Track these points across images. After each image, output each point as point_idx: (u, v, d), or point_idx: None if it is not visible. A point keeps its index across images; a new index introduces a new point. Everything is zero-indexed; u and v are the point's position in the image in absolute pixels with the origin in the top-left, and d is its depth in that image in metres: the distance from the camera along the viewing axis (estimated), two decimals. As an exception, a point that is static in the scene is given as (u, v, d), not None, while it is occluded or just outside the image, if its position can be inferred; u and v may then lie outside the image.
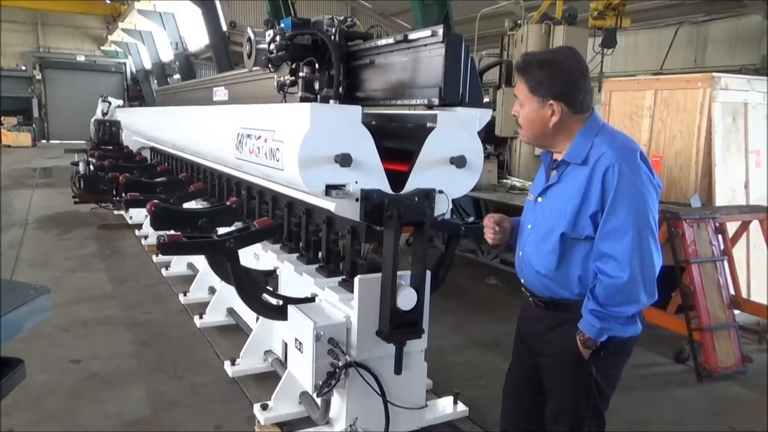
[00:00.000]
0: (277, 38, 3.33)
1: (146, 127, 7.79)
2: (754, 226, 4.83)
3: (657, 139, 5.29)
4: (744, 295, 4.76)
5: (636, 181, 1.85)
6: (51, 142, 28.48)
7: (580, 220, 1.91)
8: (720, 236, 4.45)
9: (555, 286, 2.03)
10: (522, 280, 2.17)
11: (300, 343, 2.81)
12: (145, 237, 7.32)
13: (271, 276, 3.72)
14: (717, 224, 4.42)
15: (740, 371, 4.11)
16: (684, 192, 5.04)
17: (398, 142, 2.94)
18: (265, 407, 3.16)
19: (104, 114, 10.81)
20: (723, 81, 4.94)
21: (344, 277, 3.07)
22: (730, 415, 3.58)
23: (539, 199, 2.09)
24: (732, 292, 4.49)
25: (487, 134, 6.44)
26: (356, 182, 2.62)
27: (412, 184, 2.74)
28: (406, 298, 2.65)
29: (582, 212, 1.90)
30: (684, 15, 13.35)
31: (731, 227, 4.72)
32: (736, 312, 4.43)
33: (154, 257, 6.51)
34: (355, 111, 2.64)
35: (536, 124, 2.01)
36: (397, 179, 2.74)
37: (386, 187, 2.70)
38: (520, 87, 2.03)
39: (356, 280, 2.74)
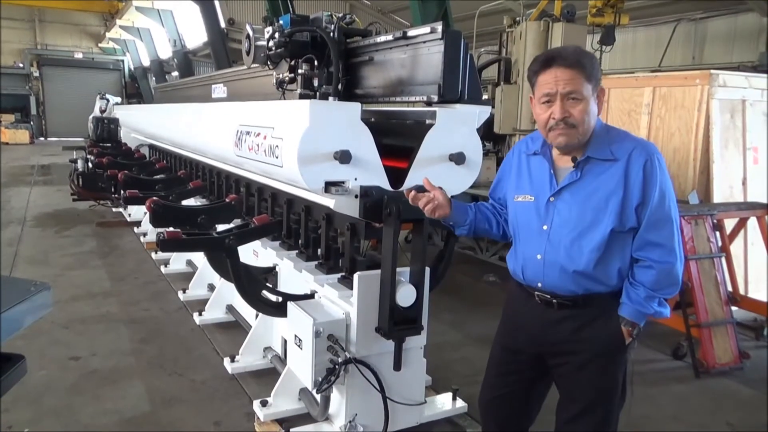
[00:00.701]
0: (276, 35, 3.33)
1: (145, 124, 7.79)
2: (752, 222, 4.85)
3: (655, 136, 5.31)
4: (741, 291, 4.79)
5: (666, 172, 1.97)
6: (49, 139, 28.46)
7: (625, 213, 1.92)
8: (718, 233, 4.46)
9: (591, 282, 1.99)
10: (538, 284, 2.07)
11: (299, 340, 2.82)
12: (144, 234, 7.33)
13: (270, 273, 3.73)
14: (715, 221, 4.43)
15: (737, 367, 4.13)
16: (682, 189, 5.05)
17: (397, 139, 2.95)
18: (264, 404, 3.17)
19: (102, 111, 10.80)
20: (721, 78, 4.95)
21: (343, 273, 3.07)
22: (727, 412, 3.59)
23: (551, 199, 2.02)
24: (729, 288, 4.51)
25: (486, 131, 6.44)
26: (355, 179, 2.63)
27: (411, 181, 2.74)
28: (406, 295, 2.65)
29: (627, 205, 1.91)
30: (682, 12, 13.38)
31: (729, 224, 4.74)
32: (734, 308, 4.45)
33: (153, 254, 6.51)
34: (355, 108, 2.64)
35: (593, 117, 1.95)
36: (396, 176, 2.75)
37: (385, 184, 2.71)
38: (576, 81, 1.89)
39: (355, 276, 2.75)
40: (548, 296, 2.06)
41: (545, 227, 2.03)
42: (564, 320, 2.05)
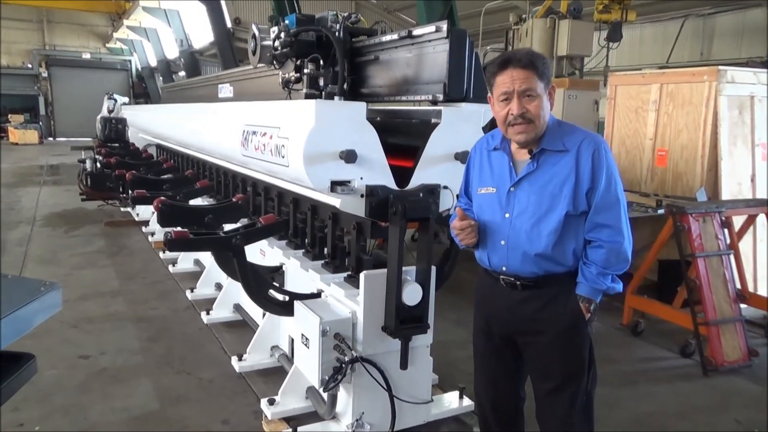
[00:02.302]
0: (282, 35, 3.34)
1: (152, 124, 7.83)
2: (761, 219, 4.81)
3: (663, 133, 5.28)
4: (750, 288, 4.75)
5: (613, 160, 2.14)
6: (57, 139, 28.65)
7: (578, 198, 2.08)
8: (726, 230, 4.43)
9: (550, 264, 2.15)
10: (503, 268, 2.22)
11: (306, 339, 2.83)
12: (152, 234, 7.37)
13: (277, 272, 3.74)
14: (723, 218, 4.40)
15: (746, 365, 4.11)
16: (690, 186, 5.03)
17: (403, 138, 2.95)
18: (272, 402, 3.18)
19: (110, 111, 10.83)
20: (729, 74, 4.92)
21: (350, 272, 3.08)
22: (735, 409, 3.58)
23: (512, 189, 2.17)
24: (738, 285, 4.48)
25: (492, 129, 6.43)
26: (361, 178, 2.64)
27: (417, 180, 2.75)
28: (412, 294, 2.66)
29: (578, 191, 2.08)
30: (690, 8, 13.27)
31: (737, 221, 4.71)
32: (742, 306, 4.42)
33: (160, 254, 6.55)
34: (360, 107, 2.65)
35: (547, 112, 2.11)
36: (402, 175, 2.75)
37: (391, 183, 2.71)
38: (530, 80, 2.05)
39: (362, 275, 2.76)
40: (512, 279, 2.22)
41: (507, 215, 2.19)
42: (528, 300, 2.21)
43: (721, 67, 4.94)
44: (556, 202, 2.09)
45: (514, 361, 2.38)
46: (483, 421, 2.56)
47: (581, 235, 2.14)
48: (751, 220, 4.79)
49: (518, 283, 2.20)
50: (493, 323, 2.35)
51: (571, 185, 2.07)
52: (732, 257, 4.43)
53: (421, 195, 2.74)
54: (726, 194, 4.93)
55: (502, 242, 2.20)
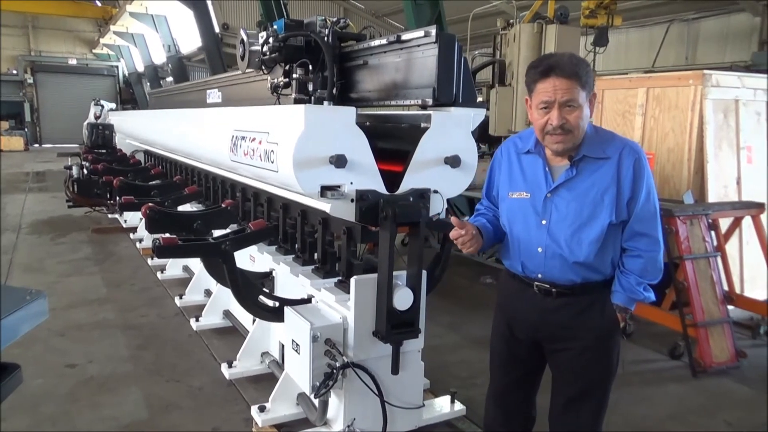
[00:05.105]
0: (270, 40, 3.33)
1: (139, 130, 7.77)
2: (747, 222, 4.86)
3: (649, 137, 5.32)
4: (737, 290, 4.80)
5: (650, 169, 2.14)
6: (44, 146, 28.39)
7: (619, 207, 2.06)
8: (713, 232, 4.47)
9: (590, 272, 2.13)
10: (539, 275, 2.18)
11: (297, 345, 2.82)
12: (140, 240, 7.31)
13: (267, 278, 3.72)
14: (710, 220, 4.45)
15: (734, 366, 4.14)
16: (677, 189, 5.07)
17: (393, 143, 2.95)
18: (262, 409, 3.16)
19: (97, 117, 10.72)
20: (714, 78, 4.97)
21: (340, 277, 3.07)
22: (725, 411, 3.61)
23: (548, 195, 2.13)
24: (725, 287, 4.52)
25: (481, 133, 6.45)
26: (351, 183, 2.63)
27: (407, 185, 2.75)
28: (403, 298, 2.66)
29: (620, 200, 2.06)
30: (675, 13, 13.44)
31: (724, 223, 4.75)
32: (730, 307, 4.46)
33: (149, 260, 6.50)
34: (350, 112, 2.64)
35: (587, 121, 2.07)
36: (392, 179, 2.75)
37: (381, 188, 2.71)
38: (573, 90, 1.99)
39: (352, 280, 2.75)
40: (547, 286, 2.18)
41: (544, 222, 2.14)
42: (562, 307, 2.18)
43: (706, 71, 4.99)
44: (598, 210, 2.06)
45: (535, 368, 2.37)
46: (489, 430, 2.55)
47: (618, 244, 2.13)
48: (737, 223, 4.84)
49: (553, 290, 2.17)
50: (517, 329, 2.32)
51: (612, 194, 2.05)
52: (719, 259, 4.47)
53: (411, 199, 2.73)
54: (712, 197, 4.98)
55: (540, 249, 2.15)
